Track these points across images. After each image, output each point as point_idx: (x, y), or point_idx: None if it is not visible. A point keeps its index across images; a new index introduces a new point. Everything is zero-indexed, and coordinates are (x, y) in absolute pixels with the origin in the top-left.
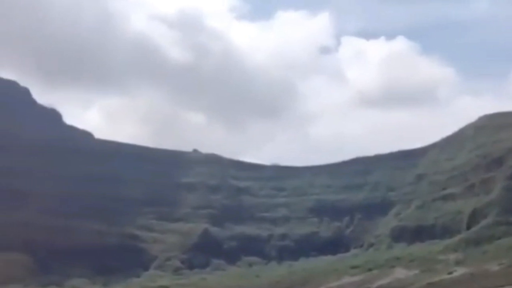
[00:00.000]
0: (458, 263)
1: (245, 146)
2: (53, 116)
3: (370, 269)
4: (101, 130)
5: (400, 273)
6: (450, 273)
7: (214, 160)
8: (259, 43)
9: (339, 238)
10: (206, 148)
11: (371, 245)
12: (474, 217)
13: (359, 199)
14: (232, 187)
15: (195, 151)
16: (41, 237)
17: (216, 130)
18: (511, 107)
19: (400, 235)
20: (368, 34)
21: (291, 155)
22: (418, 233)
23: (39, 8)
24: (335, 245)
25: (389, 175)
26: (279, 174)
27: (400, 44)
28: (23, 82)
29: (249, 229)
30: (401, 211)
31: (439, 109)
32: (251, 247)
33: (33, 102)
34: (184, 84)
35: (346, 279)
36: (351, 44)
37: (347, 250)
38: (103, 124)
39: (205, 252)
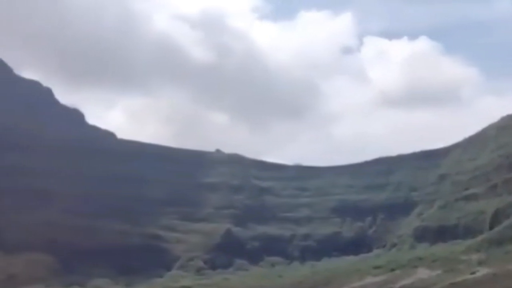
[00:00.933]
0: (480, 263)
1: (268, 146)
2: (76, 116)
3: (392, 269)
4: (123, 130)
5: (422, 273)
6: (472, 273)
7: (237, 160)
8: (282, 43)
9: (361, 238)
10: (229, 148)
11: (394, 245)
12: (496, 217)
13: (382, 199)
14: (254, 187)
15: (217, 151)
16: (64, 237)
17: (239, 130)
18: None
19: (423, 235)
20: (390, 34)
21: (314, 155)
22: (441, 233)
23: (61, 9)
24: (357, 245)
25: (412, 175)
26: (302, 174)
27: (423, 44)
28: (45, 82)
29: (272, 229)
30: (424, 211)
31: (462, 109)
32: (273, 247)
33: (56, 102)
34: (206, 84)
35: (369, 279)
36: (373, 44)
37: (369, 250)
38: (126, 124)
39: (227, 252)
